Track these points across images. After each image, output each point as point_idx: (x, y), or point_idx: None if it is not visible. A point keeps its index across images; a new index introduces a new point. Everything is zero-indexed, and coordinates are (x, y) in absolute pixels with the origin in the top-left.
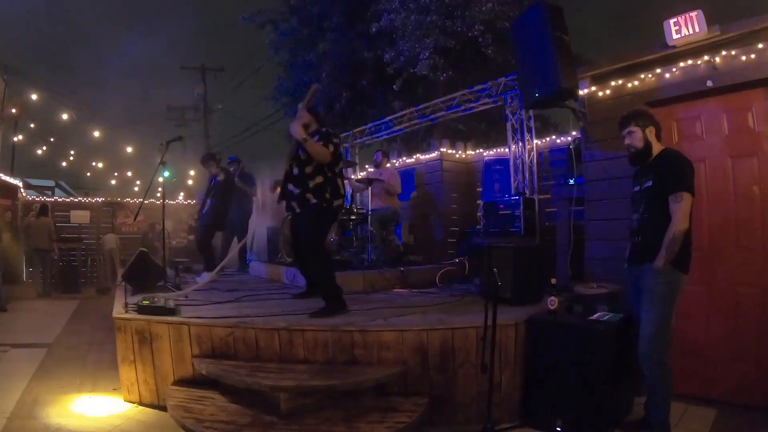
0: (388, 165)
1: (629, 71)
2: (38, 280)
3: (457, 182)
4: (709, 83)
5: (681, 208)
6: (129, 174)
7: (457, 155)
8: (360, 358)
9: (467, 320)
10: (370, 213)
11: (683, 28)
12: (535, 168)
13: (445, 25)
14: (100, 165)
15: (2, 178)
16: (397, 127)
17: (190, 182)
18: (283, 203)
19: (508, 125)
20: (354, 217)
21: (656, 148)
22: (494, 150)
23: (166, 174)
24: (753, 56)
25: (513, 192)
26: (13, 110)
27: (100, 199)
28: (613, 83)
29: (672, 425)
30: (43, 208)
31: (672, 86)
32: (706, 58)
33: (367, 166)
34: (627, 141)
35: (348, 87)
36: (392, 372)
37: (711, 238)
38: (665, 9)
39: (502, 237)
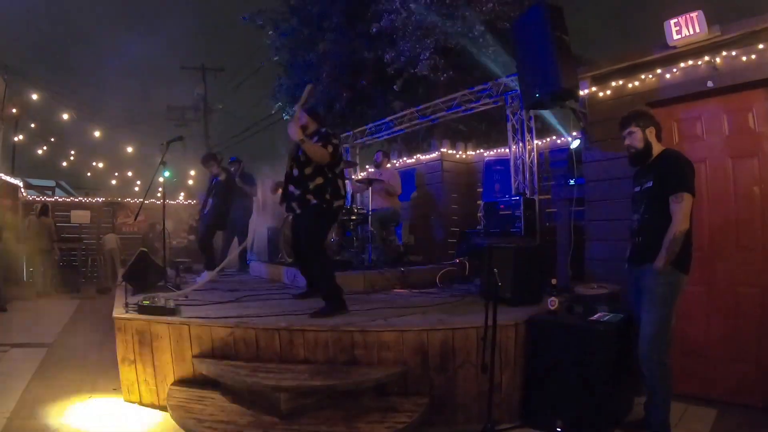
0: (389, 165)
1: (630, 71)
2: (39, 280)
3: (458, 182)
4: (710, 84)
5: (681, 208)
6: (129, 174)
7: (458, 155)
8: (360, 359)
9: (467, 320)
10: (370, 213)
11: (684, 28)
12: (535, 168)
13: (446, 25)
14: (101, 165)
15: (3, 178)
16: (398, 128)
17: (190, 182)
18: (284, 204)
19: (509, 125)
20: (354, 218)
21: (657, 148)
22: (495, 150)
23: (167, 174)
24: (753, 57)
25: (513, 192)
26: (14, 110)
27: (100, 199)
28: (613, 84)
29: (672, 425)
30: (44, 208)
31: (672, 87)
32: (706, 58)
33: (367, 167)
34: (627, 141)
35: (348, 87)
36: (392, 372)
37: (711, 238)
38: (665, 9)
39: (502, 237)
